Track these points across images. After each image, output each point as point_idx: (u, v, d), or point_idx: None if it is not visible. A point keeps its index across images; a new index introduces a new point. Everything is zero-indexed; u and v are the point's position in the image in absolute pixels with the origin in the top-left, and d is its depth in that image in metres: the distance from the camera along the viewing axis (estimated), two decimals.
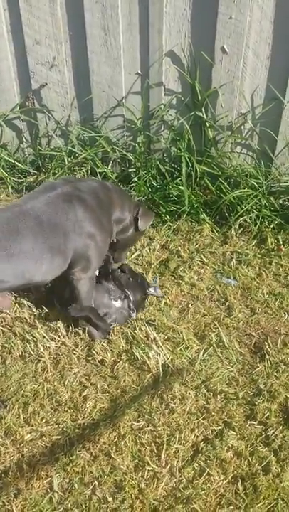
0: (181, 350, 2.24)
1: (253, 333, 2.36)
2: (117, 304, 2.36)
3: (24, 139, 3.48)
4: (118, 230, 2.34)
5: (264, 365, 2.19)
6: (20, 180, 3.42)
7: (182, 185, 3.00)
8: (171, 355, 2.22)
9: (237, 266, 2.75)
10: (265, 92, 2.76)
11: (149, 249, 2.88)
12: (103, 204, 2.20)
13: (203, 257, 2.81)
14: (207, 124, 2.93)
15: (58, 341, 2.27)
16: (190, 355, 2.23)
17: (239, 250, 2.85)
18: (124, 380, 2.12)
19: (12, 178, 3.44)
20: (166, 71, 2.90)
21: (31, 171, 3.44)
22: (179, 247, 2.89)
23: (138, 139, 3.14)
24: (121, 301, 2.38)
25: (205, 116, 2.90)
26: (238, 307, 2.49)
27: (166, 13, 2.70)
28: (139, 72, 2.95)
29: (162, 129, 3.09)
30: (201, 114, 2.90)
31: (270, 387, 2.09)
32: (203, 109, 2.89)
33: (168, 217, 3.07)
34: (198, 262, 2.79)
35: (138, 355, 2.19)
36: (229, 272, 2.72)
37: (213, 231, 3.00)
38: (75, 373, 2.14)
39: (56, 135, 3.34)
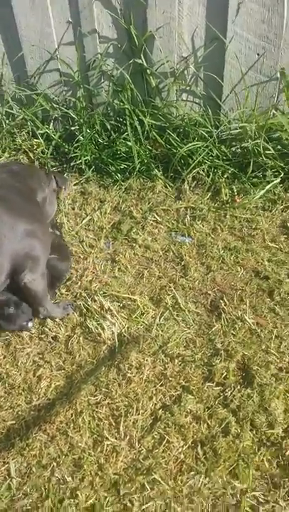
0: (136, 317, 2.18)
1: (210, 292, 2.31)
2: None
3: None
4: (46, 208, 2.21)
5: (221, 324, 2.15)
6: None
7: (130, 141, 2.84)
8: (127, 323, 2.16)
9: (191, 222, 2.66)
10: (205, 32, 2.57)
11: (100, 212, 2.76)
12: (26, 194, 2.03)
13: (156, 215, 2.71)
14: (148, 72, 2.74)
15: None
16: (146, 322, 2.17)
17: (193, 206, 2.74)
18: (79, 355, 2.06)
19: None
20: (99, 17, 2.66)
21: None
22: (132, 208, 2.77)
23: (78, 93, 2.93)
24: None
25: (145, 63, 2.70)
26: (194, 266, 2.43)
27: None
28: (70, 20, 2.71)
29: (102, 80, 2.88)
30: (140, 61, 2.70)
31: (227, 345, 2.06)
32: (142, 56, 2.69)
33: (119, 175, 2.93)
34: (151, 221, 2.68)
35: (92, 328, 2.13)
36: (184, 230, 2.63)
37: (166, 186, 2.87)
38: (27, 353, 2.07)
39: None
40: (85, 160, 2.96)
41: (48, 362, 2.04)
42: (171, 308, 2.22)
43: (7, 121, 3.05)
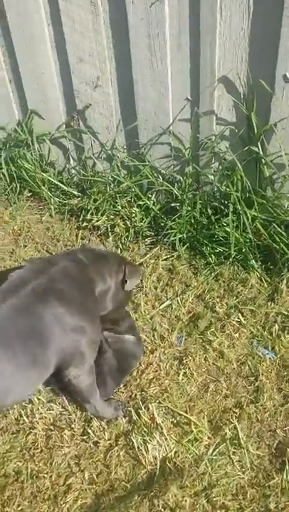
0: (188, 442, 1.95)
1: (278, 431, 1.99)
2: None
3: (71, 159, 3.29)
4: (106, 300, 2.07)
5: (281, 478, 1.83)
6: (63, 202, 3.26)
7: (229, 227, 2.63)
8: (176, 446, 1.94)
9: (279, 333, 2.35)
10: None
11: (181, 299, 2.57)
12: (83, 285, 1.93)
13: (241, 316, 2.45)
14: (263, 161, 2.52)
15: (57, 410, 2.08)
16: (197, 451, 1.92)
17: (287, 312, 2.44)
18: (115, 472, 1.88)
19: (56, 199, 3.28)
20: (219, 98, 2.51)
21: (75, 193, 3.25)
22: (216, 300, 2.55)
23: (186, 169, 2.80)
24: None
25: (261, 153, 2.49)
26: (269, 391, 2.12)
27: (221, 32, 2.30)
28: (189, 97, 2.59)
29: (212, 161, 2.72)
30: (256, 150, 2.49)
31: (281, 509, 1.74)
32: (259, 144, 2.48)
33: (213, 257, 2.73)
34: (234, 322, 2.43)
35: (136, 444, 1.94)
36: (268, 341, 2.34)
37: (261, 280, 2.61)
38: (64, 454, 1.95)
39: (101, 158, 3.11)
40: (180, 237, 2.82)
41: (82, 471, 1.89)
42: (228, 442, 1.95)
43: (112, 186, 3.02)
